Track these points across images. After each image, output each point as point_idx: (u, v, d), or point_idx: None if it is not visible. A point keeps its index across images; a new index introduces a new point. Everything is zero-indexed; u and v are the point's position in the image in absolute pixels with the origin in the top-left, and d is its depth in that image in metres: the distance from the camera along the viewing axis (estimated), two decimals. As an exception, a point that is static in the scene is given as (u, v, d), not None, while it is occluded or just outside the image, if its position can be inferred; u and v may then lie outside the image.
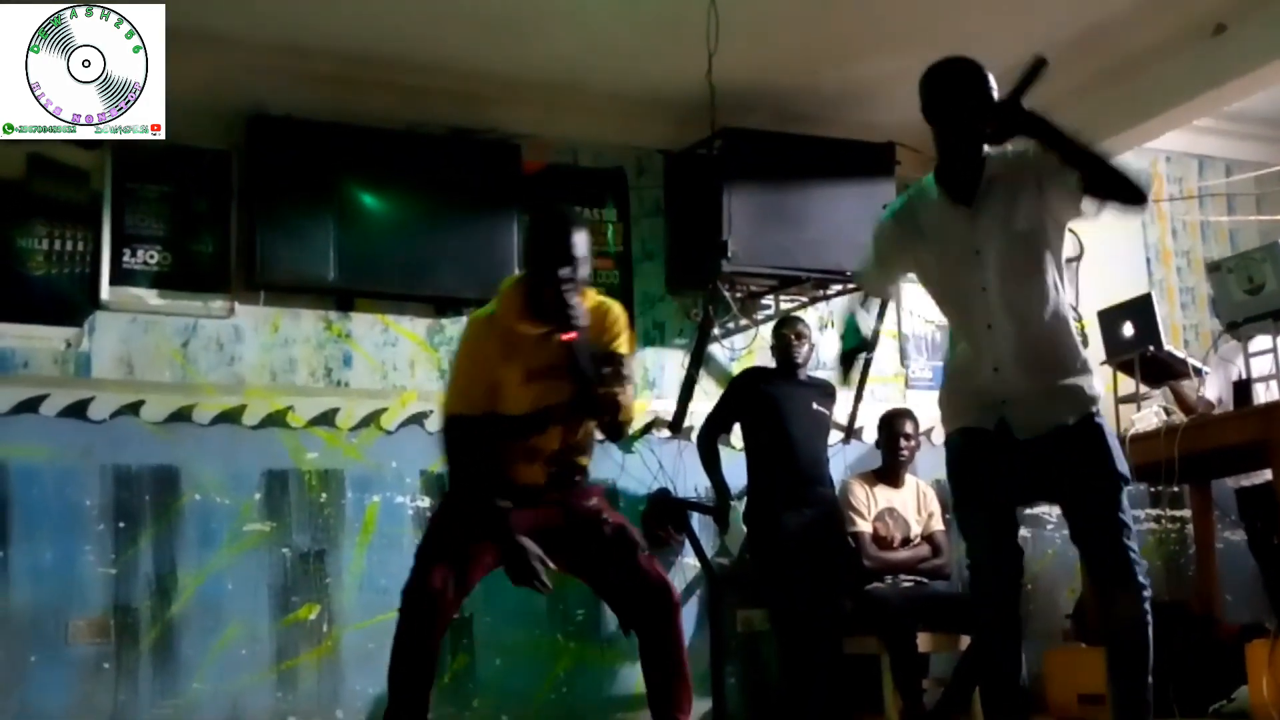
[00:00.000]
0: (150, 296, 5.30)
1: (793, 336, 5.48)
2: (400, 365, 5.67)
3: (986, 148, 3.32)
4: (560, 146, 6.04)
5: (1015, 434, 3.30)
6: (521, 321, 3.59)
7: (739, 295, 6.00)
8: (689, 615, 5.83)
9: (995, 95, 3.25)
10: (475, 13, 5.18)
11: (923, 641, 5.27)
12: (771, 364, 5.60)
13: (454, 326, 5.76)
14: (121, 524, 5.11)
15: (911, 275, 3.64)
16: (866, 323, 3.79)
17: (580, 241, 3.54)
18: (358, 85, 5.56)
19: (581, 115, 5.96)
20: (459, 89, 5.72)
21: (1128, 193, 3.19)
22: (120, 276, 5.26)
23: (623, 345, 3.66)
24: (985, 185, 3.32)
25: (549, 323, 3.50)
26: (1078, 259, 6.73)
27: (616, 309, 3.73)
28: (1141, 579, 3.23)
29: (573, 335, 3.45)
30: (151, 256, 5.31)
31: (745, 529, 5.47)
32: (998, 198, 3.31)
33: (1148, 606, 3.23)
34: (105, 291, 5.22)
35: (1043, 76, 3.17)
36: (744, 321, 6.15)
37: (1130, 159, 6.48)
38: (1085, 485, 3.29)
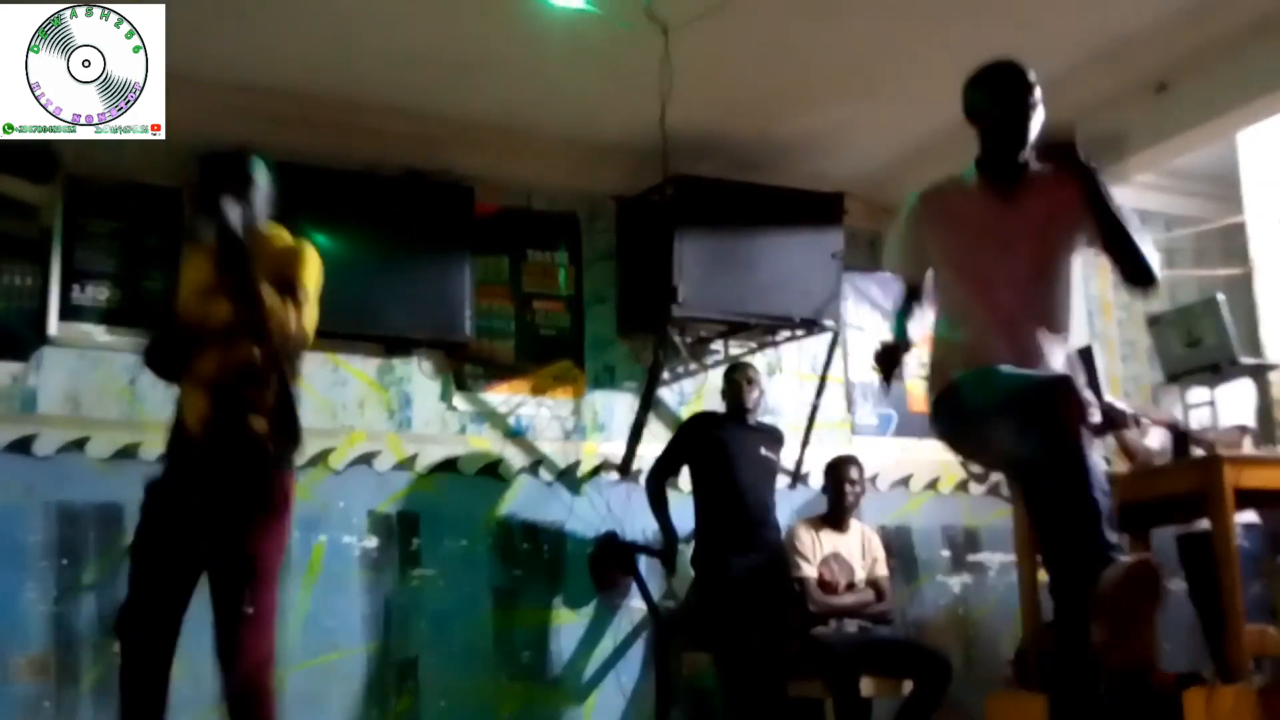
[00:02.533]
0: (99, 332, 5.27)
1: (744, 382, 5.54)
2: (349, 405, 5.66)
3: (1027, 155, 3.40)
4: (514, 190, 6.08)
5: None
6: (205, 249, 3.53)
7: (689, 340, 6.04)
8: (634, 659, 5.85)
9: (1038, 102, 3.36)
10: (430, 56, 5.22)
11: (866, 686, 5.29)
12: (720, 409, 5.65)
13: (404, 367, 5.77)
14: (64, 561, 5.06)
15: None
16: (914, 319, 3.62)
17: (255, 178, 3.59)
18: (311, 125, 5.56)
19: (535, 160, 6.01)
20: (413, 131, 5.75)
21: (1139, 275, 3.30)
22: (69, 312, 5.22)
23: (293, 273, 3.52)
24: (1027, 183, 3.40)
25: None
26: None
27: (307, 251, 3.61)
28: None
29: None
30: (101, 292, 5.28)
31: (692, 572, 5.48)
32: (1038, 195, 3.38)
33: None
34: (53, 327, 5.18)
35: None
36: (693, 366, 6.20)
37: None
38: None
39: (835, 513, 5.69)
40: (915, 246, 3.55)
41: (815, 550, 5.57)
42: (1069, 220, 3.36)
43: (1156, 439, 5.47)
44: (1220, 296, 5.17)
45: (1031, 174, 3.42)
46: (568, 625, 5.81)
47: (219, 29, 4.94)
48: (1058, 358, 3.37)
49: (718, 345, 6.25)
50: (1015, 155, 3.41)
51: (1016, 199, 3.40)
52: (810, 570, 5.51)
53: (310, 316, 3.52)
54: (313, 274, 3.54)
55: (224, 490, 3.36)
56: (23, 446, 5.09)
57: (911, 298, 3.59)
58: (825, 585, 5.53)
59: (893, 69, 5.34)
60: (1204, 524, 5.10)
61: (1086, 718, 3.26)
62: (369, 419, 5.68)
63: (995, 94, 3.40)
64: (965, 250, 3.41)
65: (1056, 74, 5.35)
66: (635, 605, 5.85)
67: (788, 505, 5.99)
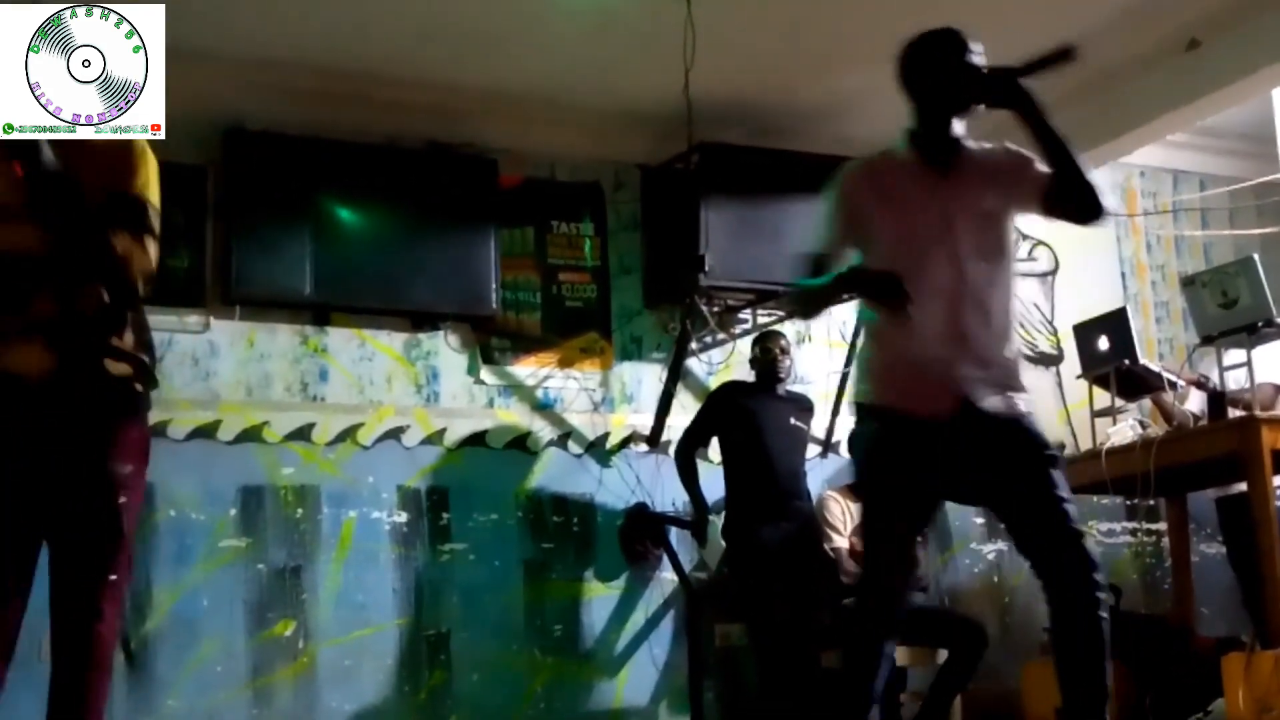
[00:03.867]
0: (125, 311, 5.26)
1: (778, 351, 5.49)
2: (377, 380, 5.65)
3: (960, 130, 3.28)
4: (537, 160, 6.05)
5: (961, 417, 3.18)
6: None
7: (716, 309, 6.00)
8: (666, 630, 5.83)
9: (980, 65, 3.22)
10: (453, 27, 5.18)
11: (900, 655, 5.26)
12: (749, 378, 5.61)
13: (431, 341, 5.76)
14: (95, 540, 5.07)
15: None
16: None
17: None
18: (335, 99, 5.55)
19: (559, 130, 5.97)
20: (436, 103, 5.72)
21: (1087, 203, 3.17)
22: (95, 291, 5.22)
23: (138, 187, 2.89)
24: (962, 158, 3.29)
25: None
26: (1053, 273, 6.76)
27: (142, 151, 2.94)
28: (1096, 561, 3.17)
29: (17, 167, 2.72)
30: (126, 271, 5.26)
31: (723, 543, 5.46)
32: (972, 174, 3.27)
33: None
34: (79, 306, 5.18)
35: (1062, 66, 3.15)
36: (721, 336, 6.15)
37: (1104, 173, 6.55)
38: (1025, 472, 3.20)
39: (866, 481, 5.64)
40: (845, 225, 3.37)
41: (846, 520, 5.53)
42: (1005, 189, 3.25)
43: (1195, 401, 5.41)
44: (1255, 256, 5.09)
45: (965, 149, 3.29)
46: (599, 598, 5.81)
47: (240, 5, 4.93)
48: (997, 338, 3.25)
49: (746, 314, 6.20)
50: (948, 128, 3.28)
51: (951, 174, 3.27)
52: (842, 541, 5.47)
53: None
54: (155, 179, 2.95)
55: (82, 444, 2.83)
56: (51, 426, 5.09)
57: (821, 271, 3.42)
58: (857, 555, 5.48)
59: (917, 31, 5.26)
60: (1242, 486, 5.05)
61: None
62: (396, 394, 5.67)
63: (929, 62, 3.27)
64: (901, 228, 3.26)
65: (1087, 33, 5.30)
66: (666, 577, 5.84)
67: (819, 474, 5.96)
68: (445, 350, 5.79)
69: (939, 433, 3.20)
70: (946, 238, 3.23)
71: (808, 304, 3.52)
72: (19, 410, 2.79)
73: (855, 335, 6.12)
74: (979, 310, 3.23)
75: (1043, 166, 3.23)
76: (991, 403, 3.22)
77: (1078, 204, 3.21)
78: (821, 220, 3.42)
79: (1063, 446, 6.55)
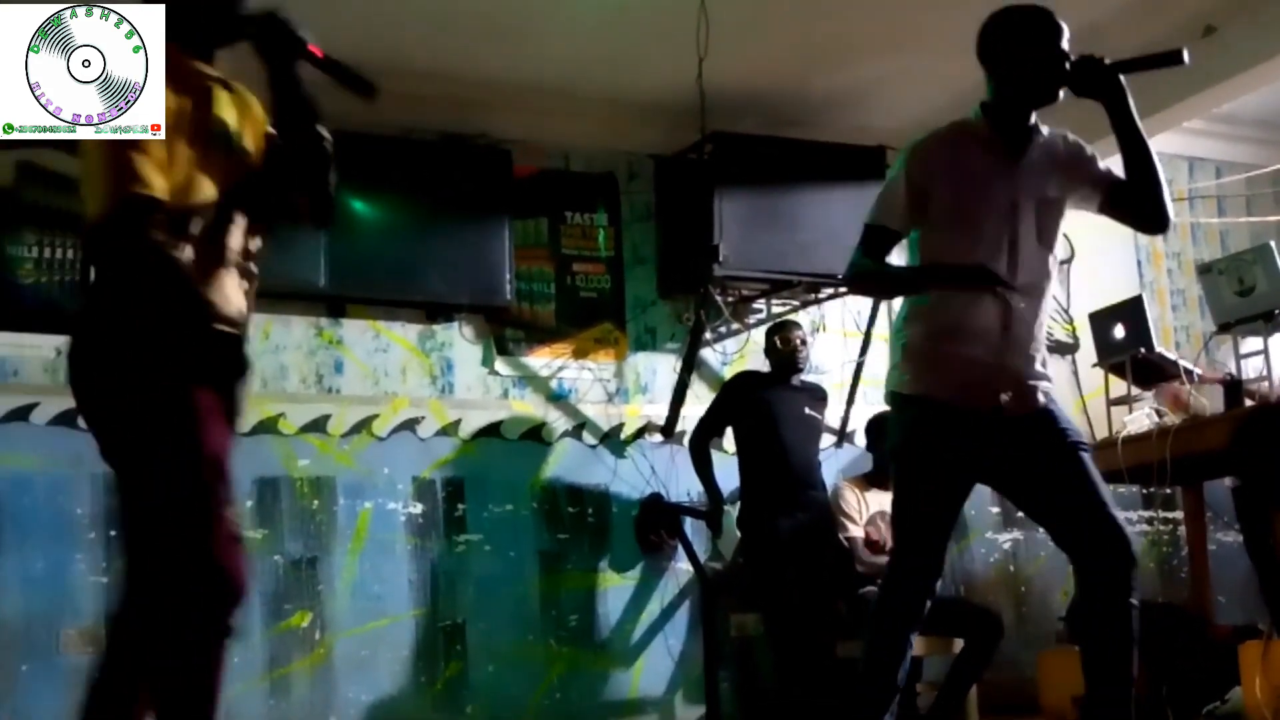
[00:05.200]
0: (141, 304, 5.27)
1: (798, 342, 5.48)
2: (392, 371, 5.67)
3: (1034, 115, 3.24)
4: (551, 151, 6.05)
5: (1006, 413, 3.20)
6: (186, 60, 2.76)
7: (730, 299, 6.00)
8: (681, 621, 5.84)
9: (1069, 53, 3.15)
10: (466, 19, 5.18)
11: (916, 644, 5.20)
12: (763, 368, 5.61)
13: (445, 332, 5.77)
14: (113, 532, 5.07)
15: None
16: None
17: None
18: (346, 91, 5.53)
19: (572, 120, 5.96)
20: (450, 95, 5.71)
21: (1158, 213, 3.19)
22: (111, 284, 5.23)
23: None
24: (1034, 142, 3.25)
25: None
26: (1069, 261, 6.73)
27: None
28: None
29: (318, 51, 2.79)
30: (142, 264, 5.28)
31: (738, 533, 5.46)
32: (1042, 160, 3.24)
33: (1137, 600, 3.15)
34: (95, 299, 5.19)
35: (1164, 67, 3.13)
36: (735, 326, 6.15)
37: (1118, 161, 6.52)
38: (1064, 465, 3.20)
39: (880, 471, 5.64)
40: (909, 200, 3.26)
41: (861, 510, 5.52)
42: (1068, 180, 3.24)
43: (1210, 390, 5.38)
44: (1272, 243, 5.07)
45: (1038, 134, 3.25)
46: (614, 588, 5.81)
47: (251, -4, 4.92)
48: (1040, 328, 3.27)
49: (760, 304, 6.20)
50: (1030, 112, 3.23)
51: (1024, 159, 3.23)
52: (857, 530, 5.47)
53: None
54: None
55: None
56: (69, 419, 5.09)
57: (883, 253, 3.34)
58: (872, 545, 5.48)
59: (933, 19, 5.25)
60: (1259, 475, 5.03)
61: None
62: (411, 385, 5.68)
63: (1026, 40, 3.17)
64: (965, 206, 3.21)
65: (1103, 18, 5.29)
66: (681, 567, 5.84)
67: (834, 464, 5.95)
68: (460, 341, 5.80)
69: (979, 423, 3.19)
70: (1009, 223, 3.20)
71: (880, 288, 3.57)
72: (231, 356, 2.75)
73: (871, 324, 6.12)
74: (1031, 299, 3.22)
75: (1104, 166, 3.24)
76: (1031, 397, 3.23)
77: (1148, 212, 3.22)
78: (884, 192, 3.35)
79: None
